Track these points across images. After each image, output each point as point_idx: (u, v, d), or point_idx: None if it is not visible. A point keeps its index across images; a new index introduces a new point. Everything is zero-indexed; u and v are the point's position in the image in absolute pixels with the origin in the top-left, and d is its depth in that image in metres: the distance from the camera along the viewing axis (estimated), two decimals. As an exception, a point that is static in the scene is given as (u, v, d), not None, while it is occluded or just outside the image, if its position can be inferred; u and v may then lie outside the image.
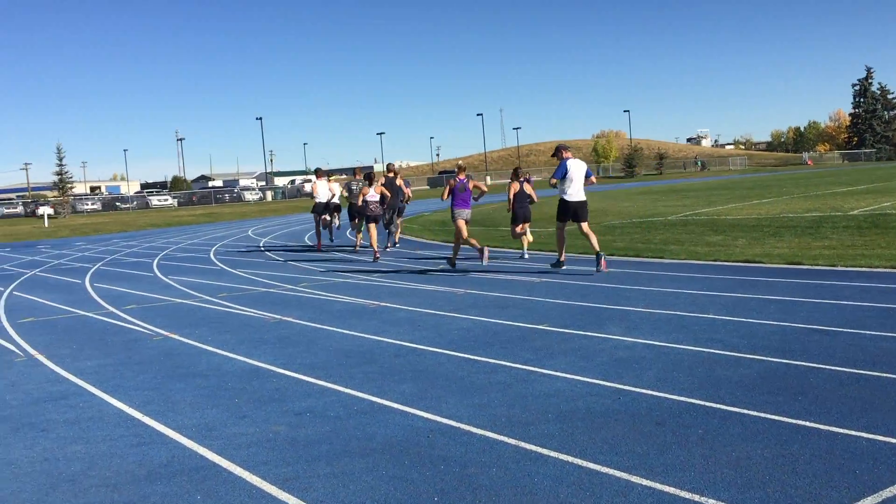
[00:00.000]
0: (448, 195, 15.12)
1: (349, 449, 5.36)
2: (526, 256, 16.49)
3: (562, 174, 13.30)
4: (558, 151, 13.61)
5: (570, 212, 13.34)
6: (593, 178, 13.66)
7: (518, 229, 16.22)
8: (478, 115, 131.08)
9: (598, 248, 13.22)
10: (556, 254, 14.11)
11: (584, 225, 13.42)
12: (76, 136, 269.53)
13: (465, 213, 14.96)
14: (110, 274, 19.15)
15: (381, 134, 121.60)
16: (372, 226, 18.23)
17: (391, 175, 21.07)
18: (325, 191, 21.40)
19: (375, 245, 17.98)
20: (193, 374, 7.83)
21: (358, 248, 20.55)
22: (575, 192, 13.25)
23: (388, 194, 19.83)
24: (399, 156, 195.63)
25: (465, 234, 14.71)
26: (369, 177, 18.81)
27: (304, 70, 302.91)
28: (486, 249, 14.53)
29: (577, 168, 13.29)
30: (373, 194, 18.43)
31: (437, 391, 6.64)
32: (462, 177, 15.08)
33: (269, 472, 5.00)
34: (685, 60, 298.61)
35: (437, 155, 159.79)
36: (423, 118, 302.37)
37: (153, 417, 6.42)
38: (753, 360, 6.94)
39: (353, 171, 23.34)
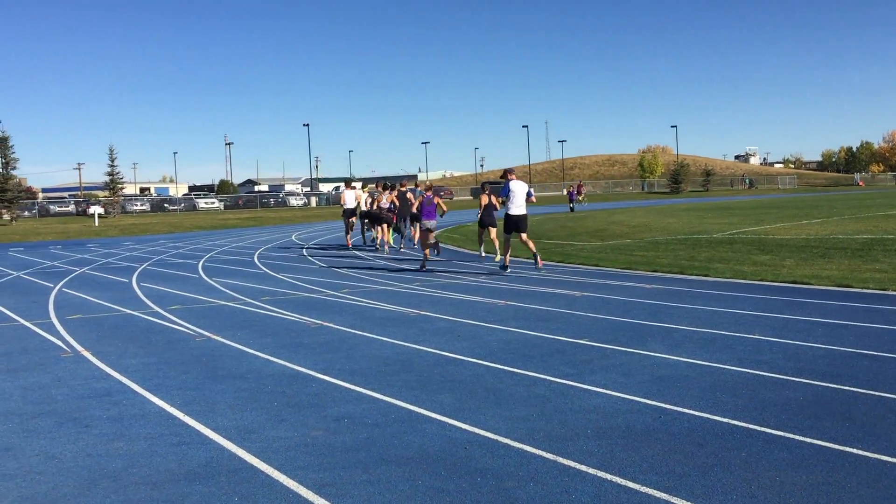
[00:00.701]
0: (417, 208, 19.61)
1: (386, 457, 5.35)
2: (490, 256, 19.24)
3: (505, 193, 16.14)
4: (505, 174, 16.39)
5: (512, 224, 16.04)
6: (533, 198, 16.33)
7: (483, 233, 19.26)
8: (523, 126, 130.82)
9: (534, 251, 16.29)
10: (502, 258, 16.87)
11: (524, 235, 16.10)
12: (128, 138, 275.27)
13: (430, 224, 18.57)
14: (156, 274, 19.47)
15: (425, 143, 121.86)
16: (384, 226, 22.98)
17: (403, 189, 24.51)
18: (352, 199, 25.35)
19: (387, 237, 22.20)
20: (234, 376, 7.91)
21: (378, 245, 24.06)
22: (516, 207, 16.00)
23: (398, 203, 23.72)
24: (443, 165, 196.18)
25: (423, 239, 18.74)
26: (385, 187, 23.86)
27: (352, 78, 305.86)
28: (427, 254, 17.82)
29: (518, 188, 16.03)
30: (384, 202, 23.36)
31: (476, 402, 6.61)
32: (429, 194, 19.30)
33: (305, 477, 5.02)
34: (735, 76, 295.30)
35: (482, 165, 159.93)
36: (468, 128, 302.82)
37: (194, 417, 6.49)
38: (799, 384, 6.79)
39: (393, 181, 29.31)
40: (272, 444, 5.73)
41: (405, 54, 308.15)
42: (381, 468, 5.14)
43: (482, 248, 19.57)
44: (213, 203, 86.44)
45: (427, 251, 17.85)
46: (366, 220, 25.45)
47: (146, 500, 4.76)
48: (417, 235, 21.80)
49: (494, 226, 18.46)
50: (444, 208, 18.97)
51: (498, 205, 17.42)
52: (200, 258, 24.15)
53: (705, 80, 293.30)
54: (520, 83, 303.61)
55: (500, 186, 16.52)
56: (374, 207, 23.90)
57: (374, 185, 31.08)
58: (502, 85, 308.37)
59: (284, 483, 4.94)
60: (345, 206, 25.37)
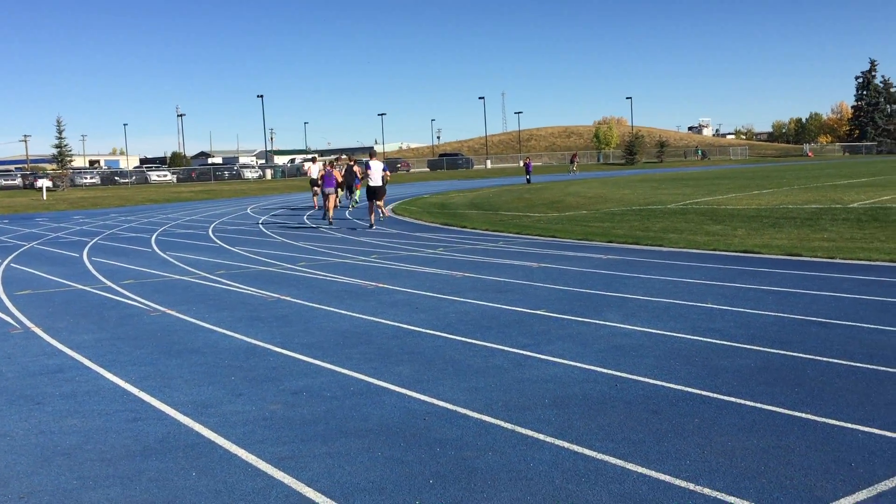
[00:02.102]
0: (321, 179, 25.13)
1: (345, 429, 5.35)
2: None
3: (364, 169, 22.19)
4: (369, 154, 22.91)
5: (371, 192, 21.79)
6: (387, 173, 21.89)
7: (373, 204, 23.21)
8: (479, 98, 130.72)
9: (383, 215, 22.86)
10: (368, 221, 22.08)
11: (380, 202, 22.34)
12: (76, 110, 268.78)
13: (328, 190, 24.09)
14: (108, 248, 19.12)
15: (382, 115, 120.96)
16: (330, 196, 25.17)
17: (351, 163, 30.62)
18: (317, 171, 28.80)
19: (329, 206, 24.40)
20: (190, 351, 7.82)
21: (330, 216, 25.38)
22: (373, 181, 21.59)
23: (339, 178, 26.78)
24: (400, 137, 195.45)
25: (326, 203, 24.04)
26: (332, 162, 27.43)
27: (306, 49, 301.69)
28: (328, 216, 23.59)
29: (375, 166, 21.72)
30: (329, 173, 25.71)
31: (434, 374, 6.63)
32: (329, 167, 24.77)
33: (264, 451, 5.00)
34: (688, 49, 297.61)
35: (438, 137, 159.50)
36: (425, 100, 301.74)
37: (149, 393, 6.42)
38: (751, 351, 6.94)
39: (349, 153, 35.81)
40: (230, 418, 5.69)
41: (360, 25, 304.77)
42: (340, 441, 5.14)
43: (372, 217, 22.25)
44: (165, 176, 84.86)
45: (329, 215, 23.68)
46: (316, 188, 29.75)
47: (101, 476, 4.70)
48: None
49: (380, 198, 22.28)
50: (339, 179, 25.50)
51: (359, 174, 24.15)
52: (153, 232, 23.76)
53: (659, 52, 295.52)
54: (476, 54, 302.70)
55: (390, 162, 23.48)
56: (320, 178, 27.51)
57: (345, 157, 35.83)
58: (459, 56, 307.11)
59: (243, 457, 4.91)
60: (311, 176, 29.01)
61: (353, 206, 30.51)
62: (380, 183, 21.54)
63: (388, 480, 4.48)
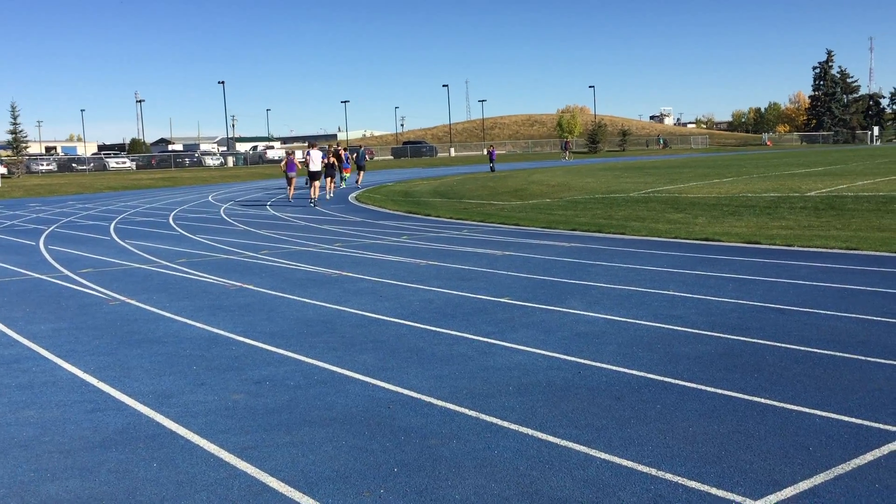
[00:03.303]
0: (285, 165, 27.60)
1: (309, 418, 5.33)
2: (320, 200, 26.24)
3: (306, 157, 26.53)
4: (309, 145, 27.27)
5: (312, 176, 25.99)
6: (324, 160, 26.76)
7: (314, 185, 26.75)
8: (443, 86, 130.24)
9: (317, 196, 26.23)
10: (313, 199, 25.93)
11: (316, 183, 26.10)
12: (31, 95, 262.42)
13: (291, 174, 27.43)
14: (65, 237, 18.77)
15: (345, 102, 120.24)
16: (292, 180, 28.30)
17: (337, 148, 34.29)
18: (319, 158, 29.64)
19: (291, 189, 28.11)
20: (150, 341, 7.72)
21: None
22: (314, 166, 26.02)
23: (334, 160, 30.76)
24: (363, 125, 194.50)
25: (290, 186, 28.02)
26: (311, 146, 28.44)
27: (268, 35, 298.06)
28: (290, 195, 28.03)
29: (315, 155, 26.32)
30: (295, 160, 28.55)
31: (398, 362, 6.62)
32: (292, 156, 27.97)
33: (227, 441, 4.95)
34: (650, 38, 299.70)
35: (402, 125, 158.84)
36: (389, 87, 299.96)
37: (108, 383, 6.32)
38: (711, 337, 7.04)
39: (312, 140, 37.73)
40: (191, 408, 5.63)
41: (323, 11, 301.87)
42: (304, 430, 5.11)
43: (313, 193, 26.28)
44: (124, 163, 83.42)
45: (290, 196, 27.89)
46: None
47: (59, 468, 4.62)
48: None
49: (318, 179, 26.44)
50: (299, 165, 28.10)
51: (298, 165, 27.54)
52: (112, 220, 23.37)
53: (622, 41, 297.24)
54: (440, 42, 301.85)
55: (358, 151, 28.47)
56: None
57: (334, 145, 38.60)
58: (422, 44, 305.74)
59: (205, 447, 4.86)
60: (310, 169, 27.98)
61: (341, 185, 34.49)
62: (319, 168, 26.42)
63: (352, 469, 4.46)
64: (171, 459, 4.70)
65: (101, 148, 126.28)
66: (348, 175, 34.76)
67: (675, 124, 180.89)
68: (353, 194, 29.78)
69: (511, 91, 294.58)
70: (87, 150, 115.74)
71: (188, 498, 4.18)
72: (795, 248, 12.21)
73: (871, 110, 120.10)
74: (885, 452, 4.41)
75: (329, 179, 29.18)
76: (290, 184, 27.84)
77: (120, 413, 5.60)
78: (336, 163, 31.04)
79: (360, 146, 39.02)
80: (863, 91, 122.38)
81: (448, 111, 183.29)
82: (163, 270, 12.44)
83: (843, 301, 8.32)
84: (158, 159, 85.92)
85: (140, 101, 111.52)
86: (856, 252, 11.54)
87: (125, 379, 6.43)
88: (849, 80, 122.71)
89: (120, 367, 6.79)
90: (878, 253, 11.36)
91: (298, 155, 30.79)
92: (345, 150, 36.62)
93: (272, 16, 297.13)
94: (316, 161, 26.38)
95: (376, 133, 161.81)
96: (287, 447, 4.82)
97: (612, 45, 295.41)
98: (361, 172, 36.44)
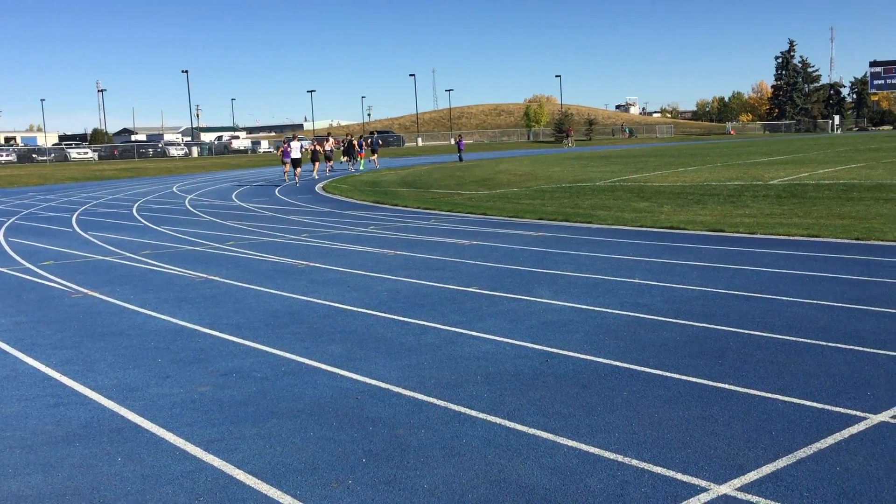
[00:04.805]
0: (281, 153, 32.63)
1: (276, 410, 5.30)
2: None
3: (287, 146, 31.51)
4: (291, 136, 32.33)
5: (294, 163, 30.86)
6: (305, 149, 31.03)
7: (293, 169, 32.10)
8: (410, 75, 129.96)
9: (313, 175, 32.85)
10: (296, 181, 31.14)
11: (298, 170, 31.31)
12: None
13: (287, 161, 31.61)
14: (26, 228, 18.43)
15: (311, 92, 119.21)
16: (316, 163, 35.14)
17: (350, 138, 43.25)
18: (297, 150, 33.36)
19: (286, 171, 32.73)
20: (114, 334, 7.61)
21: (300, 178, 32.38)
22: (295, 154, 30.83)
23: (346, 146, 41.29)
24: (330, 114, 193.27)
25: (295, 169, 31.86)
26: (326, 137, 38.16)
27: (233, 23, 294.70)
28: (296, 180, 31.70)
29: (295, 145, 31.21)
30: (327, 146, 36.71)
31: (366, 352, 6.61)
32: (287, 147, 31.77)
33: (193, 434, 4.91)
34: (617, 27, 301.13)
35: (369, 114, 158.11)
36: (355, 77, 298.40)
37: (71, 377, 6.23)
38: (676, 325, 7.11)
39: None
40: (157, 401, 5.57)
41: (288, 0, 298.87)
42: (271, 422, 5.08)
43: (297, 179, 31.40)
44: (86, 153, 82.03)
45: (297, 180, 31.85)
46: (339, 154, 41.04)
47: (21, 464, 4.55)
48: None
49: (299, 166, 31.49)
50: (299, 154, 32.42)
51: (280, 154, 32.28)
52: (74, 211, 23.00)
53: (589, 31, 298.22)
54: (407, 31, 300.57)
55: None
56: (323, 148, 37.01)
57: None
58: (389, 33, 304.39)
59: (171, 441, 4.82)
60: (291, 156, 32.07)
61: (360, 167, 40.86)
62: (299, 156, 31.37)
63: (320, 460, 4.45)
64: (136, 453, 4.64)
65: (63, 138, 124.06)
66: (363, 159, 41.73)
67: (640, 114, 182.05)
68: (321, 184, 29.61)
69: (478, 80, 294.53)
70: (47, 140, 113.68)
71: (153, 492, 4.14)
72: (758, 236, 12.37)
73: (832, 99, 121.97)
74: (846, 436, 4.50)
75: (315, 164, 34.98)
76: (295, 167, 31.92)
77: (83, 407, 5.52)
78: (331, 150, 37.53)
79: (374, 132, 51.82)
80: (824, 80, 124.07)
81: (415, 100, 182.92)
82: (127, 262, 12.27)
83: (805, 288, 8.46)
84: (121, 150, 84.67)
85: (102, 91, 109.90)
86: (817, 239, 11.73)
87: (89, 373, 6.34)
88: (810, 70, 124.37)
89: (83, 361, 6.69)
90: (838, 240, 11.56)
91: (295, 145, 35.27)
92: (360, 137, 46.10)
93: (237, 3, 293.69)
94: (295, 150, 31.59)
95: (343, 122, 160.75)
96: (254, 439, 4.79)
97: (578, 35, 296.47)
98: (375, 155, 44.34)
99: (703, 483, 3.99)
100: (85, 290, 9.91)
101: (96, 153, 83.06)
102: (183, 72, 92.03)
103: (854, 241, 11.38)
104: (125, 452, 4.67)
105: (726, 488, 3.92)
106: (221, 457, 4.54)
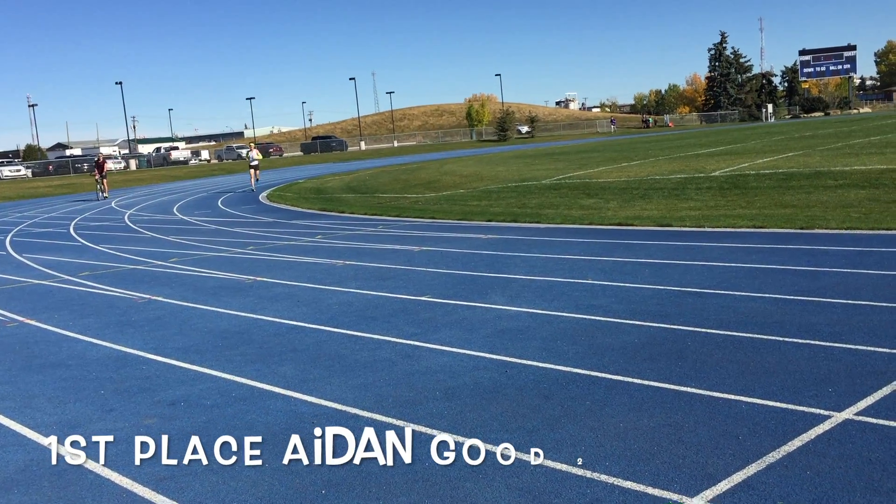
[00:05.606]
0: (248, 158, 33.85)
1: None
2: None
3: (249, 151, 33.65)
4: (248, 146, 37.10)
5: (253, 168, 32.58)
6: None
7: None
8: (350, 79, 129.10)
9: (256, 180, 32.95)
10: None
11: (258, 172, 32.96)
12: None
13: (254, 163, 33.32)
14: (-44, 253, 17.68)
15: (250, 99, 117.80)
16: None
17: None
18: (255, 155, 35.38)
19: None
20: (53, 365, 7.26)
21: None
22: (254, 162, 32.45)
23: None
24: (271, 121, 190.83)
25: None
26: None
27: (168, 32, 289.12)
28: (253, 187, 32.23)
29: (255, 152, 33.00)
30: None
31: (320, 371, 6.40)
32: (254, 152, 33.53)
33: (140, 473, 4.65)
34: (553, 24, 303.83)
35: (311, 120, 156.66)
36: (295, 83, 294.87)
37: (7, 415, 5.89)
38: (633, 326, 7.05)
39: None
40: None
41: (222, 6, 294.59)
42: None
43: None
44: (18, 171, 79.59)
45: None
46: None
47: (-45, 518, 4.25)
48: None
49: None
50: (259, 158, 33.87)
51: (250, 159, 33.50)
52: (7, 232, 22.18)
53: (526, 29, 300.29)
54: (345, 34, 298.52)
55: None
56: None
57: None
58: (328, 37, 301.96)
59: (116, 482, 4.56)
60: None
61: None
62: (258, 162, 33.14)
63: (276, 493, 4.25)
64: (80, 499, 4.38)
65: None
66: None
67: (580, 109, 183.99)
68: (264, 193, 29.15)
69: (419, 82, 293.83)
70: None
71: (100, 541, 3.88)
72: (705, 230, 12.46)
73: (765, 88, 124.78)
74: (812, 437, 4.46)
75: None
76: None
77: (21, 448, 5.21)
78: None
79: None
80: (755, 70, 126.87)
81: (356, 104, 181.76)
82: (65, 285, 11.81)
83: (756, 281, 8.49)
84: (56, 165, 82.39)
85: (33, 106, 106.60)
86: (762, 230, 11.85)
87: (26, 409, 6.01)
88: (742, 61, 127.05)
89: (20, 397, 6.35)
90: (783, 230, 11.70)
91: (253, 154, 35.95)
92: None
93: (170, 12, 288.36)
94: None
95: (284, 129, 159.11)
96: (207, 475, 4.56)
97: (517, 33, 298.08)
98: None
99: (675, 496, 3.89)
100: (21, 318, 9.47)
101: (30, 170, 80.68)
102: (117, 83, 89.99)
103: (798, 231, 11.53)
104: (68, 498, 4.40)
105: (699, 501, 3.83)
106: (172, 496, 4.31)
